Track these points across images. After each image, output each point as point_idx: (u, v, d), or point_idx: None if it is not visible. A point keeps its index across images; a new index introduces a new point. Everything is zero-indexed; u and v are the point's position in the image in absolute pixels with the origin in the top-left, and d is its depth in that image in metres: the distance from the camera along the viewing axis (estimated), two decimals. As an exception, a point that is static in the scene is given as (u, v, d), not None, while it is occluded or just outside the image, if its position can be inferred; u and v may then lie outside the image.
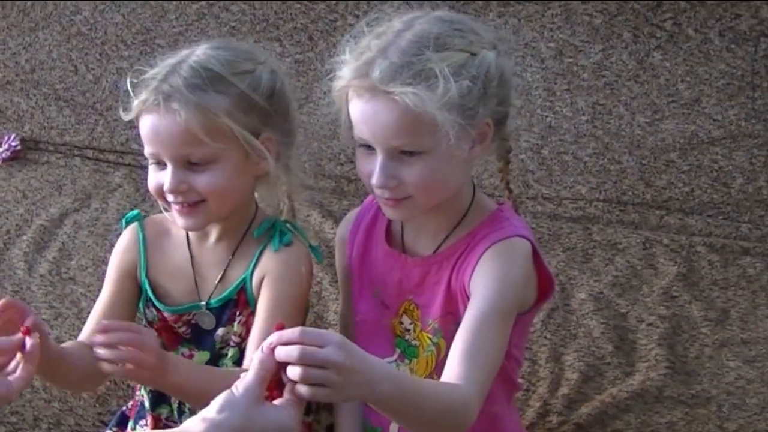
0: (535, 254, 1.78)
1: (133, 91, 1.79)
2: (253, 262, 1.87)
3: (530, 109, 2.70)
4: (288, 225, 1.90)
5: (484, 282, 1.73)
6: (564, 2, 2.71)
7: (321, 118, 2.81)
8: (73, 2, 2.97)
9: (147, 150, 1.81)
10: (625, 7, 2.70)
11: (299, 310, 1.90)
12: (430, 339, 1.83)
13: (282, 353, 1.42)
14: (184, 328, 1.89)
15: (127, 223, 1.94)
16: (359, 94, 1.72)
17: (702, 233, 2.66)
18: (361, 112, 1.73)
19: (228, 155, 1.81)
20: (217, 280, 1.88)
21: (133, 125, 1.79)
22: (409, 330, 1.87)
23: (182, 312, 1.90)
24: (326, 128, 2.81)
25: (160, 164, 1.81)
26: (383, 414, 1.55)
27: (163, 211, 1.89)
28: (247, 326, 1.87)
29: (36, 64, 3.01)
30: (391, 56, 1.70)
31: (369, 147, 1.74)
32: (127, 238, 1.94)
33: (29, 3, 2.98)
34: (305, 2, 2.86)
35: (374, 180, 1.73)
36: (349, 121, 1.77)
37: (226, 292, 1.88)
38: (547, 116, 2.75)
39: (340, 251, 1.97)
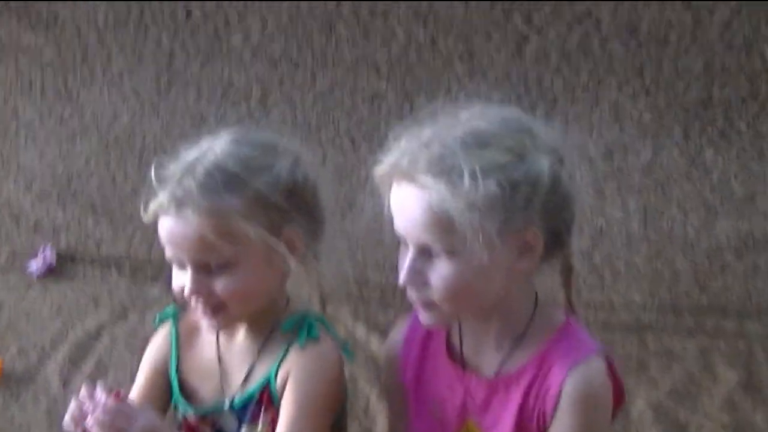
0: (609, 364, 1.69)
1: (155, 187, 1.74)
2: (278, 360, 1.78)
3: (580, 212, 2.60)
4: (317, 321, 1.83)
5: (568, 418, 1.64)
6: (612, 100, 2.64)
7: (365, 226, 2.75)
8: (112, 109, 2.92)
9: (167, 252, 1.74)
10: (675, 104, 2.62)
11: (326, 410, 1.80)
12: None
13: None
14: (207, 431, 1.81)
15: (162, 320, 1.88)
16: (397, 181, 1.64)
17: (761, 338, 2.55)
18: (394, 200, 1.63)
19: (247, 257, 1.73)
20: (243, 376, 1.78)
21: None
22: (471, 452, 1.77)
23: (205, 414, 1.81)
24: (370, 236, 2.74)
25: (182, 266, 1.74)
26: None
27: None
28: (274, 427, 1.79)
29: (73, 174, 2.97)
30: (431, 147, 1.62)
31: (406, 242, 1.66)
32: (161, 334, 1.86)
33: (67, 112, 2.94)
34: (347, 106, 2.80)
35: (400, 277, 1.64)
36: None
37: (249, 390, 1.79)
38: (597, 219, 2.66)
39: (392, 369, 1.86)
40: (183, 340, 1.84)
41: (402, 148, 1.64)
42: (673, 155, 2.64)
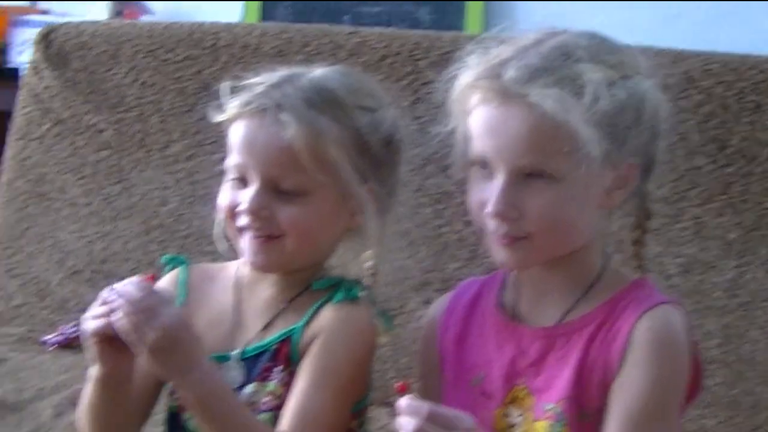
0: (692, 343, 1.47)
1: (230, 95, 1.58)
2: (308, 315, 1.56)
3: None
4: (356, 285, 1.61)
5: (640, 368, 1.42)
6: (694, 215, 2.46)
7: (412, 333, 2.54)
8: (162, 193, 2.78)
9: (233, 160, 1.56)
10: (763, 222, 2.42)
11: (354, 382, 1.56)
12: (549, 429, 1.46)
13: (404, 425, 1.36)
14: None
15: (171, 264, 1.67)
16: (486, 98, 1.46)
17: None
18: (486, 120, 1.46)
19: (323, 193, 1.55)
20: (261, 327, 1.58)
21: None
22: (515, 424, 1.50)
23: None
24: (417, 343, 2.51)
25: (243, 181, 1.55)
26: None
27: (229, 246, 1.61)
28: (288, 389, 1.55)
29: (109, 255, 2.79)
30: (530, 58, 1.46)
31: (487, 166, 1.47)
32: (166, 279, 1.65)
33: (115, 192, 2.80)
34: (411, 207, 2.63)
35: (490, 207, 1.44)
36: (464, 141, 1.51)
37: (267, 340, 1.56)
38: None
39: (429, 337, 1.64)
40: (193, 285, 1.65)
41: (489, 62, 1.50)
42: (758, 275, 2.41)
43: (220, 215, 1.61)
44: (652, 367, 1.41)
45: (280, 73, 1.60)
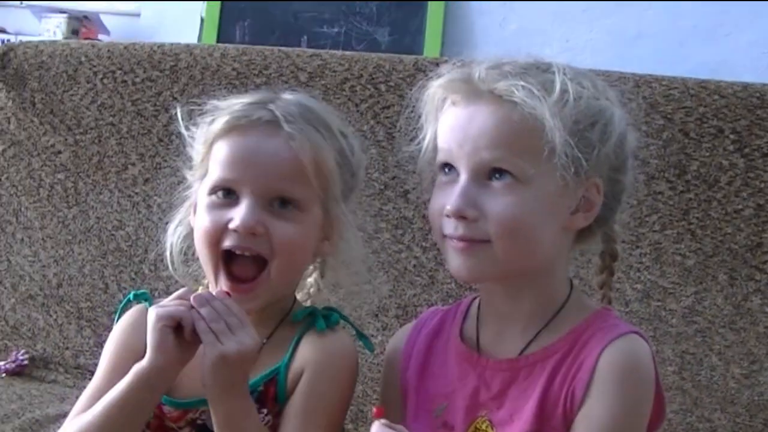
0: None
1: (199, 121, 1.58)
2: (290, 350, 1.53)
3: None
4: (332, 312, 1.58)
5: (605, 398, 1.40)
6: (654, 241, 2.44)
7: (369, 359, 2.51)
8: (118, 217, 2.74)
9: (220, 175, 1.51)
10: (722, 248, 2.40)
11: (343, 411, 1.55)
12: None
13: None
14: (187, 430, 1.51)
15: (136, 300, 1.63)
16: (454, 101, 1.45)
17: None
18: (453, 121, 1.44)
19: (315, 210, 1.54)
20: None
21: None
22: (477, 457, 1.48)
23: (189, 407, 1.53)
24: (374, 370, 2.48)
25: (231, 195, 1.50)
26: None
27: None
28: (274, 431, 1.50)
29: (64, 279, 2.74)
30: (504, 67, 1.45)
31: (451, 171, 1.45)
32: (132, 317, 1.61)
33: (71, 216, 2.76)
34: (368, 232, 2.60)
35: (449, 204, 1.41)
36: (433, 149, 1.49)
37: (252, 382, 1.52)
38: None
39: (392, 367, 1.61)
40: None
41: (462, 68, 1.49)
42: (716, 302, 2.39)
43: (202, 239, 1.56)
44: (617, 398, 1.39)
45: (255, 94, 1.58)
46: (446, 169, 1.46)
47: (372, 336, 2.50)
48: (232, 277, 1.52)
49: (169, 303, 1.47)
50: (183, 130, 1.60)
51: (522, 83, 1.40)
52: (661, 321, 2.41)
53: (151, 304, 1.60)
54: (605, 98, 1.47)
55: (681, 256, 2.43)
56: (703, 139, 2.47)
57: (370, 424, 2.42)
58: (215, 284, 1.54)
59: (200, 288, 1.62)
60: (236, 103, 1.56)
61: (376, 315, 2.51)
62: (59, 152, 2.81)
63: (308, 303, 1.66)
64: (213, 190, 1.54)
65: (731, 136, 2.46)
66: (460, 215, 1.42)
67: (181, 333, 1.45)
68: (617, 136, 1.46)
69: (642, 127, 2.39)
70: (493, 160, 1.41)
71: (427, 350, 1.57)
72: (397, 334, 1.66)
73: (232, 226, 1.51)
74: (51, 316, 2.72)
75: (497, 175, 1.42)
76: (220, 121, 1.53)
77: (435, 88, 1.49)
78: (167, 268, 1.70)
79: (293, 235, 1.52)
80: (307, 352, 1.54)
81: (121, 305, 1.66)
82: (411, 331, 1.62)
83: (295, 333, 1.56)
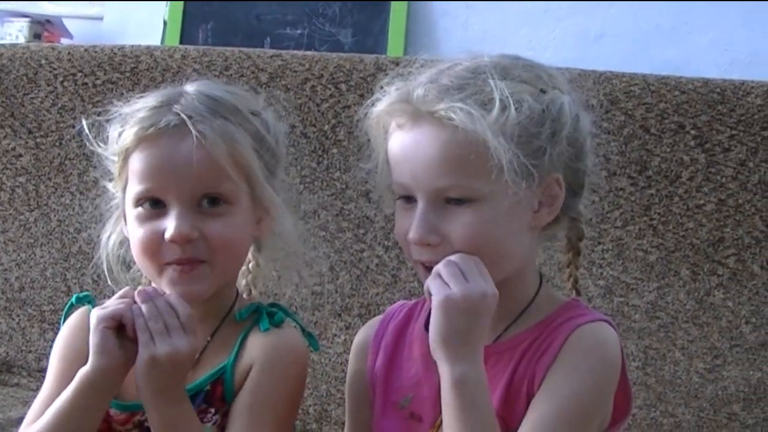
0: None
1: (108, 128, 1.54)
2: (236, 348, 1.51)
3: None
4: (276, 308, 1.57)
5: (567, 374, 1.40)
6: (616, 237, 2.45)
7: (333, 358, 2.50)
8: (80, 220, 2.72)
9: (143, 187, 1.50)
10: (684, 243, 2.41)
11: (291, 412, 1.53)
12: None
13: None
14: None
15: (78, 304, 1.61)
16: (399, 123, 1.45)
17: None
18: (400, 147, 1.44)
19: (242, 201, 1.53)
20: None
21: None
22: (447, 447, 1.46)
23: (135, 409, 1.51)
24: (338, 369, 2.47)
25: (158, 205, 1.49)
26: None
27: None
28: (222, 431, 1.48)
29: (26, 283, 2.72)
30: (442, 80, 1.45)
31: (409, 199, 1.45)
32: (75, 320, 1.59)
33: (32, 219, 2.74)
34: (331, 231, 2.59)
35: (411, 233, 1.41)
36: (388, 168, 1.49)
37: (198, 381, 1.51)
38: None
39: (359, 361, 1.61)
40: None
41: (402, 88, 1.48)
42: (679, 297, 2.40)
43: (140, 252, 1.54)
44: (580, 373, 1.39)
45: (158, 95, 1.56)
46: (405, 196, 1.46)
47: (335, 336, 2.50)
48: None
49: (110, 303, 1.46)
50: (95, 147, 1.59)
51: (459, 105, 1.39)
52: (624, 317, 2.42)
53: (94, 306, 1.58)
54: (552, 87, 1.46)
55: (643, 252, 2.44)
56: (664, 135, 2.48)
57: (335, 424, 2.44)
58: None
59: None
60: (141, 108, 1.53)
61: (339, 314, 2.50)
62: (20, 155, 2.79)
63: (251, 281, 1.64)
64: (138, 203, 1.53)
65: (692, 132, 2.47)
66: (422, 244, 1.42)
67: (124, 333, 1.43)
68: (569, 127, 1.45)
69: (603, 124, 2.43)
70: (447, 188, 1.41)
71: (394, 344, 1.57)
72: (365, 328, 1.65)
73: (167, 237, 1.49)
74: (13, 319, 2.71)
75: (453, 200, 1.42)
76: (129, 134, 1.52)
77: (378, 112, 1.49)
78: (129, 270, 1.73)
79: (228, 232, 1.51)
80: (254, 349, 1.53)
81: (65, 309, 1.64)
82: (379, 324, 1.61)
83: (240, 330, 1.55)
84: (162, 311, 1.42)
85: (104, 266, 1.63)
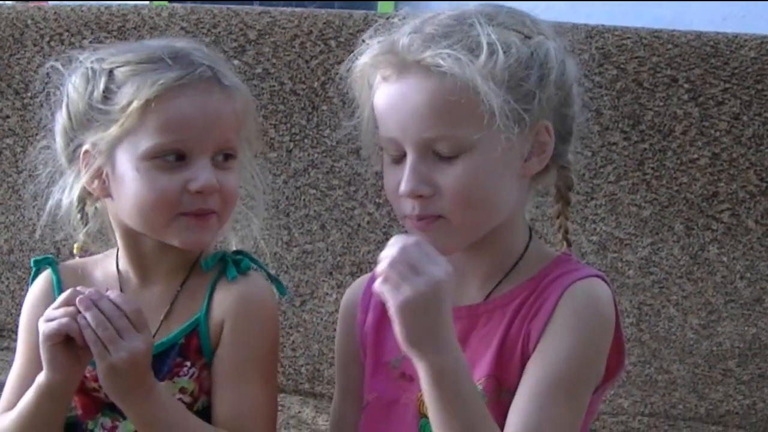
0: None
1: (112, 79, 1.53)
2: (206, 299, 1.50)
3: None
4: (240, 256, 1.57)
5: (561, 335, 1.38)
6: (609, 192, 2.43)
7: (325, 317, 2.49)
8: (66, 181, 2.70)
9: (167, 138, 1.47)
10: (678, 198, 2.40)
11: (274, 362, 1.52)
12: None
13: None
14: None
15: (37, 271, 1.59)
16: (385, 75, 1.42)
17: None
18: (387, 100, 1.42)
19: (241, 157, 1.55)
20: (162, 317, 1.52)
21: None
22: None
23: None
24: (330, 329, 2.46)
25: (181, 159, 1.49)
26: None
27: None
28: (201, 383, 1.46)
29: (15, 245, 2.71)
30: (426, 29, 1.42)
31: (399, 158, 1.43)
32: (39, 286, 1.57)
33: (20, 181, 2.72)
34: (321, 189, 2.58)
35: (402, 186, 1.39)
36: (374, 124, 1.46)
37: (172, 335, 1.50)
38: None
39: (348, 321, 1.59)
40: (67, 285, 1.53)
41: (386, 40, 1.46)
42: (673, 252, 2.40)
43: (153, 205, 1.48)
44: (574, 333, 1.37)
45: (159, 46, 1.53)
46: (393, 150, 1.43)
47: (327, 294, 2.50)
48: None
49: (54, 312, 1.43)
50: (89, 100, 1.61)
51: (447, 51, 1.36)
52: (618, 272, 2.41)
53: (54, 269, 1.59)
54: (537, 33, 1.44)
55: (637, 207, 2.43)
56: (657, 89, 2.46)
57: (327, 384, 2.44)
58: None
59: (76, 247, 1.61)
60: (156, 59, 1.50)
61: (331, 273, 2.50)
62: (7, 117, 2.77)
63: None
64: (158, 154, 1.49)
65: (685, 86, 2.45)
66: (415, 195, 1.40)
67: (74, 343, 1.41)
68: (556, 72, 1.43)
69: (595, 78, 2.41)
70: (437, 139, 1.39)
71: (383, 302, 1.55)
72: (353, 286, 1.63)
73: (195, 187, 1.47)
74: (3, 282, 2.70)
75: (441, 148, 1.40)
76: (154, 83, 1.48)
77: (362, 66, 1.46)
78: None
79: (236, 184, 1.53)
80: (225, 301, 1.51)
81: (31, 277, 1.62)
82: (367, 283, 1.59)
83: (208, 281, 1.53)
84: (109, 315, 1.39)
85: (61, 211, 1.63)
